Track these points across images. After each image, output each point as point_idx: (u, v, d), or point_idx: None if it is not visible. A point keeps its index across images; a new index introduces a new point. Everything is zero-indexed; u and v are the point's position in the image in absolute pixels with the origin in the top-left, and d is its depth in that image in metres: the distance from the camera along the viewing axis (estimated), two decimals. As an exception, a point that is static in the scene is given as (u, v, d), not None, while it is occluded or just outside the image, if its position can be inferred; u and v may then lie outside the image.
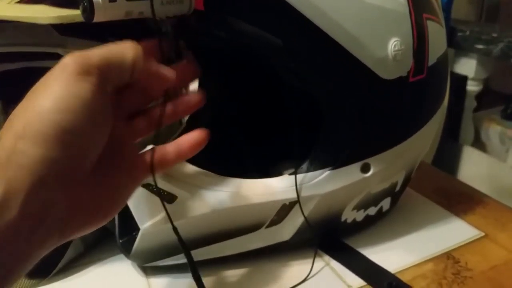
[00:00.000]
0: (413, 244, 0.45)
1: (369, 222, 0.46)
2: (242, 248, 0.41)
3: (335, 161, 0.39)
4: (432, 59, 0.41)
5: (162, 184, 0.38)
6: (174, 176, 0.38)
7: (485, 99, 1.48)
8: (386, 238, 0.46)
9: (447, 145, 1.44)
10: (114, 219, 0.40)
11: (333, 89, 0.37)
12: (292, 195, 0.39)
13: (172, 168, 0.38)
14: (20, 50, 0.44)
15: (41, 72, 0.47)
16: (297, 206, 0.39)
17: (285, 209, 0.39)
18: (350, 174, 0.40)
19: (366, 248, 0.44)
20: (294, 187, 0.39)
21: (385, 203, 0.45)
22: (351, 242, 0.45)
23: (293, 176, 0.39)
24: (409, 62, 0.38)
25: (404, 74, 0.38)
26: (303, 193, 0.39)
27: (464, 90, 1.45)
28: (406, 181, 0.47)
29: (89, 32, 0.43)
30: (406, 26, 0.37)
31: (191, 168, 0.39)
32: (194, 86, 0.54)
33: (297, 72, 0.37)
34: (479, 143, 1.57)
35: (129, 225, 0.39)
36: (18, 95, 0.50)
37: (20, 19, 0.36)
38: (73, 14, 0.39)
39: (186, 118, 0.56)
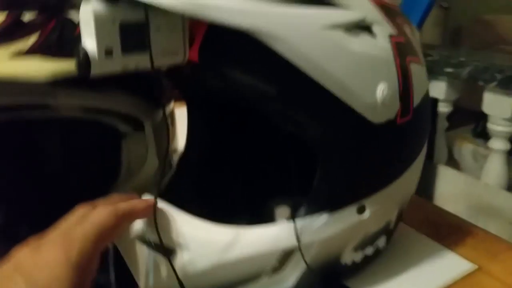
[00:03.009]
0: (411, 281, 0.46)
1: (367, 262, 0.46)
2: None
3: (332, 204, 0.39)
4: (416, 99, 0.42)
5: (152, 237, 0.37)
6: (170, 227, 0.37)
7: (456, 117, 1.53)
8: (384, 276, 0.46)
9: (423, 165, 1.47)
10: (109, 276, 0.39)
11: (326, 134, 0.37)
12: (292, 242, 0.38)
13: (168, 218, 0.37)
14: (9, 102, 0.42)
15: (27, 124, 0.46)
16: (298, 253, 0.39)
17: (286, 256, 0.39)
18: (347, 217, 0.40)
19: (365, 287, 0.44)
20: (293, 234, 0.38)
21: (381, 242, 0.46)
22: (351, 283, 0.45)
23: (291, 223, 0.39)
24: (396, 105, 0.39)
25: (392, 117, 0.39)
26: (303, 239, 0.39)
27: (435, 111, 1.49)
28: (399, 217, 0.47)
29: (80, 82, 0.42)
30: (392, 71, 0.39)
31: (187, 218, 0.38)
32: (183, 131, 0.54)
33: (291, 119, 0.37)
34: (452, 162, 1.61)
35: (126, 284, 0.38)
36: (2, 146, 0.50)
37: (16, 78, 0.35)
38: (67, 69, 0.38)
39: (176, 161, 0.56)
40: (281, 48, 0.32)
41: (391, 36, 0.39)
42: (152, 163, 0.53)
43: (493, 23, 2.04)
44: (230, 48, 0.35)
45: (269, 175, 0.48)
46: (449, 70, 1.30)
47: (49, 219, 0.46)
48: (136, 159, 0.53)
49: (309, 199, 0.39)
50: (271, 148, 0.47)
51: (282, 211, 0.44)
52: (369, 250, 0.45)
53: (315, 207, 0.38)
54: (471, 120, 1.65)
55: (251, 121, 0.46)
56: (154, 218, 0.35)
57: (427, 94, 0.44)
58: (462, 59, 1.25)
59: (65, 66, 0.38)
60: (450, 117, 1.50)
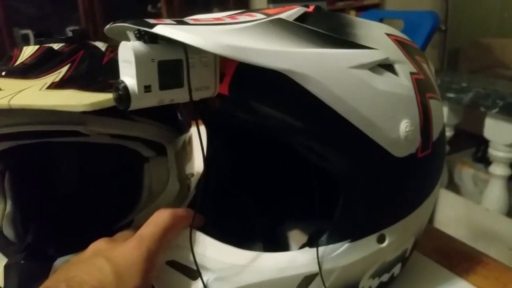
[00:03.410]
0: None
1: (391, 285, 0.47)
2: None
3: (354, 234, 0.41)
4: (435, 134, 0.44)
5: (183, 259, 0.38)
6: (198, 251, 0.38)
7: (456, 141, 1.55)
8: (397, 302, 0.48)
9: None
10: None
11: (351, 167, 0.39)
12: (313, 268, 0.40)
13: (195, 243, 0.39)
14: (40, 128, 0.44)
15: (55, 147, 0.48)
16: (318, 278, 0.40)
17: (306, 281, 0.40)
18: (368, 246, 0.41)
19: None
20: (315, 260, 0.40)
21: (396, 269, 0.47)
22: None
23: (313, 249, 0.40)
24: (418, 140, 0.41)
25: (413, 151, 0.41)
26: (324, 266, 0.40)
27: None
28: (414, 246, 0.49)
29: (109, 110, 0.44)
30: (414, 108, 0.41)
31: (211, 241, 0.40)
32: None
33: (316, 152, 0.39)
34: (453, 186, 1.63)
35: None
36: (29, 168, 0.51)
37: (56, 108, 0.37)
38: (104, 99, 0.40)
39: (195, 184, 0.58)
40: (312, 87, 0.35)
41: (412, 74, 0.41)
42: (173, 186, 0.55)
43: (490, 46, 2.09)
44: (259, 84, 0.37)
45: (290, 204, 0.50)
46: (451, 95, 1.33)
47: (76, 238, 0.48)
48: (158, 183, 0.54)
49: (331, 228, 0.40)
50: (293, 177, 0.49)
51: (302, 238, 0.45)
52: (385, 277, 0.46)
53: (337, 236, 0.40)
54: (472, 144, 1.68)
55: (274, 151, 0.47)
56: (190, 242, 0.37)
57: (443, 128, 0.46)
58: (464, 84, 1.28)
59: (102, 97, 0.40)
60: (450, 141, 1.53)
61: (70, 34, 0.53)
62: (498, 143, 1.27)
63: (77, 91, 0.42)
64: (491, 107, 1.21)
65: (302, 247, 0.42)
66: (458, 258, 0.56)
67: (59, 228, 0.48)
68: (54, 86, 0.42)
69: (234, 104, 0.39)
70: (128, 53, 0.33)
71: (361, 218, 0.41)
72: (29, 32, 2.42)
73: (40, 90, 0.41)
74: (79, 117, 0.45)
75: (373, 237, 0.41)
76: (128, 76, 0.33)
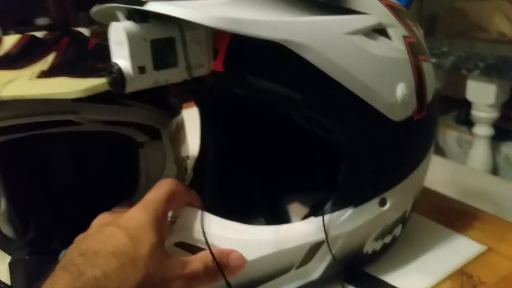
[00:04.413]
0: (427, 265, 0.48)
1: (385, 250, 0.48)
2: None
3: (357, 199, 0.42)
4: (429, 96, 0.44)
5: (193, 240, 0.39)
6: (205, 230, 0.39)
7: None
8: (401, 262, 0.49)
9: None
10: None
11: (351, 135, 0.39)
12: (320, 236, 0.41)
13: (200, 221, 0.39)
14: (32, 120, 0.44)
15: (48, 139, 0.47)
16: (324, 245, 0.41)
17: (313, 250, 0.41)
18: (370, 210, 0.42)
19: (386, 275, 0.47)
20: (321, 228, 0.41)
21: (397, 230, 0.48)
22: (370, 270, 0.47)
23: (318, 218, 0.41)
24: (414, 103, 0.42)
25: (410, 114, 0.41)
26: (330, 233, 0.41)
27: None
28: (413, 207, 0.50)
29: (101, 96, 0.43)
30: (408, 71, 0.41)
31: (216, 219, 0.40)
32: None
33: (316, 122, 0.39)
34: (438, 149, 1.66)
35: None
36: (22, 163, 0.50)
37: (49, 96, 0.37)
38: (97, 84, 0.40)
39: (192, 165, 0.58)
40: (310, 56, 0.35)
41: (404, 37, 0.41)
42: (170, 170, 0.55)
43: (466, 11, 2.10)
44: (255, 57, 0.36)
45: (289, 177, 0.51)
46: (432, 60, 1.34)
47: (79, 229, 0.48)
48: (155, 167, 0.54)
49: (335, 195, 0.41)
50: (291, 149, 0.49)
51: (302, 210, 0.46)
52: (388, 239, 0.47)
53: (341, 203, 0.41)
54: (453, 108, 1.70)
55: (270, 125, 0.48)
56: (202, 224, 0.37)
57: (436, 90, 0.47)
58: (445, 49, 1.30)
59: (94, 82, 0.39)
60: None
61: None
62: (480, 104, 1.30)
63: (67, 78, 0.41)
64: (473, 69, 1.23)
65: (305, 217, 0.43)
66: (454, 215, 0.57)
67: (60, 221, 0.47)
68: (44, 74, 0.41)
69: (230, 81, 0.39)
70: (120, 33, 0.32)
71: (362, 183, 0.41)
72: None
73: (29, 79, 0.40)
74: (71, 106, 0.44)
75: (375, 201, 0.42)
76: (121, 58, 0.33)
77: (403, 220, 0.49)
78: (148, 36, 0.33)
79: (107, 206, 0.51)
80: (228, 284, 0.37)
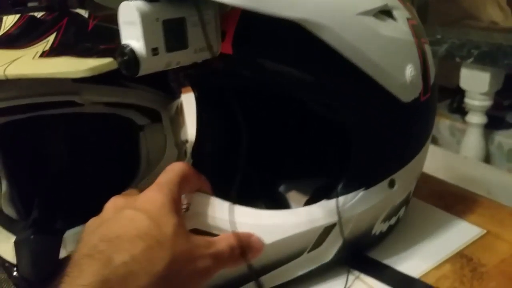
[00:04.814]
0: (427, 248, 0.49)
1: (389, 231, 0.49)
2: (288, 277, 0.42)
3: (368, 181, 0.42)
4: (432, 78, 0.45)
5: (207, 226, 0.38)
6: (219, 216, 0.39)
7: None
8: (401, 246, 0.49)
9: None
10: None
11: (362, 117, 0.40)
12: (332, 219, 0.41)
13: (214, 208, 0.39)
14: (34, 101, 0.43)
15: (50, 120, 0.47)
16: (336, 228, 0.42)
17: (325, 233, 0.41)
18: (380, 191, 0.43)
19: (387, 259, 0.47)
20: (333, 211, 0.41)
21: (401, 212, 0.49)
22: (372, 255, 0.48)
23: (331, 201, 0.41)
24: (420, 84, 0.42)
25: (417, 95, 0.42)
26: (343, 215, 0.41)
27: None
28: (415, 188, 0.51)
29: (103, 77, 0.43)
30: (414, 52, 0.42)
31: (228, 205, 0.39)
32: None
33: (328, 104, 0.39)
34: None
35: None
36: (23, 144, 0.50)
37: (55, 76, 0.36)
38: (102, 64, 0.39)
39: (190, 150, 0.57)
40: (327, 36, 0.34)
41: (408, 19, 0.42)
42: (171, 152, 0.55)
43: (458, -1, 2.07)
44: (265, 39, 0.36)
45: (293, 160, 0.51)
46: (426, 48, 1.34)
47: (82, 210, 0.48)
48: (156, 150, 0.54)
49: (347, 178, 0.41)
50: (296, 133, 0.49)
51: (305, 195, 0.46)
52: (393, 220, 0.48)
53: (353, 185, 0.41)
54: (445, 97, 1.72)
55: (274, 109, 0.48)
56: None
57: (435, 72, 0.48)
58: (439, 36, 1.30)
59: (99, 62, 0.39)
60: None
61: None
62: (473, 92, 1.31)
63: (71, 58, 0.40)
64: (466, 57, 1.24)
65: (311, 202, 0.43)
66: (452, 199, 0.58)
67: (62, 202, 0.47)
68: (46, 54, 0.41)
69: (239, 63, 0.38)
70: (132, 13, 0.32)
71: (373, 165, 0.42)
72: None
73: (33, 59, 0.39)
74: (73, 87, 0.44)
75: (385, 183, 0.43)
76: (133, 39, 0.32)
77: (407, 202, 0.49)
78: (160, 16, 0.32)
79: (108, 188, 0.51)
80: (250, 267, 0.37)
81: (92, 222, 0.35)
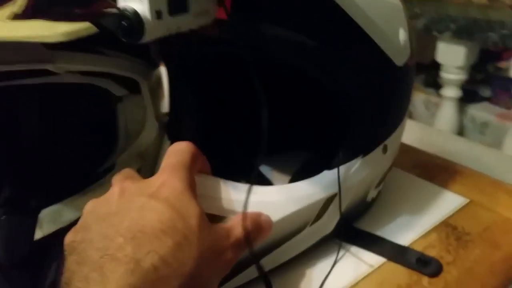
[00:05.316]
0: (412, 218, 0.49)
1: (377, 198, 0.49)
2: (291, 254, 0.41)
3: (365, 149, 0.42)
4: (413, 44, 0.45)
5: (215, 209, 0.36)
6: (218, 196, 0.36)
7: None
8: (387, 217, 0.49)
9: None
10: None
11: (361, 81, 0.39)
12: (333, 190, 0.40)
13: (214, 188, 0.37)
14: (4, 69, 0.40)
15: (20, 90, 0.44)
16: (336, 199, 0.41)
17: (326, 204, 0.41)
18: (376, 157, 0.43)
19: (373, 230, 0.47)
20: (333, 182, 0.40)
21: (387, 178, 0.49)
22: (358, 226, 0.48)
23: (331, 171, 0.40)
24: (409, 49, 0.42)
25: (406, 59, 0.42)
26: (344, 185, 0.41)
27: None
28: (397, 158, 0.51)
29: (77, 44, 0.40)
30: (403, 17, 0.42)
31: (232, 184, 0.37)
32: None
33: (328, 70, 0.38)
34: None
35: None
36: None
37: (29, 39, 0.34)
38: (80, 28, 0.37)
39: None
40: None
41: (393, -14, 0.41)
42: (151, 125, 0.53)
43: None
44: (263, 3, 0.34)
45: (303, 131, 0.50)
46: (403, 22, 1.34)
47: (58, 187, 0.45)
48: (135, 122, 0.52)
49: (346, 147, 0.41)
50: (299, 103, 0.48)
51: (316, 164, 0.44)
52: (381, 186, 0.48)
53: (352, 154, 0.41)
54: (419, 71, 1.73)
55: (261, 79, 0.46)
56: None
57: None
58: (417, 10, 1.30)
59: (76, 27, 0.37)
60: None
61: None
62: (450, 66, 1.32)
63: (46, 21, 0.38)
64: (444, 31, 1.24)
65: (300, 175, 0.42)
66: (435, 170, 0.59)
67: (37, 179, 0.45)
68: (18, 17, 0.38)
69: (238, 30, 0.35)
70: None
71: (371, 131, 0.42)
72: None
73: (1, 21, 0.37)
74: (47, 54, 0.41)
75: (379, 149, 0.43)
76: (134, 1, 0.29)
77: (391, 167, 0.49)
78: None
79: (85, 162, 0.49)
80: (252, 251, 0.34)
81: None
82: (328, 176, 0.40)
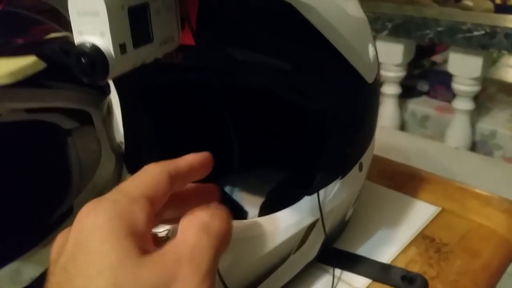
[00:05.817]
0: (388, 233, 0.49)
1: (352, 216, 0.48)
2: (278, 284, 0.40)
3: (344, 169, 0.41)
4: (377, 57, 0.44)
5: None
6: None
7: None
8: (363, 234, 0.48)
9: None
10: None
11: (335, 101, 0.38)
12: (316, 215, 0.39)
13: None
14: None
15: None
16: (318, 224, 0.40)
17: (309, 230, 0.39)
18: (354, 177, 0.42)
19: (353, 247, 0.46)
20: (314, 208, 0.39)
21: (360, 193, 0.48)
22: (337, 245, 0.47)
23: (311, 197, 0.39)
24: (376, 64, 0.42)
25: (375, 75, 0.42)
26: (325, 209, 0.40)
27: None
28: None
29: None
30: (370, 32, 0.42)
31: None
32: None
33: (301, 91, 0.36)
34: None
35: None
36: None
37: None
38: (25, 65, 0.32)
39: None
40: (313, 16, 0.31)
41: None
42: (107, 159, 0.49)
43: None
44: (233, 25, 0.32)
45: (279, 156, 0.48)
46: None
47: (13, 238, 0.40)
48: (89, 157, 0.47)
49: (324, 170, 0.39)
50: (270, 126, 0.46)
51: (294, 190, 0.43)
52: (357, 203, 0.48)
53: (330, 177, 0.40)
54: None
55: (224, 104, 0.43)
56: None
57: None
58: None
59: (20, 64, 0.32)
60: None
61: None
62: (388, 64, 1.36)
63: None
64: (381, 30, 1.27)
65: (269, 206, 0.40)
66: (401, 178, 0.59)
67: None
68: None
69: (203, 55, 0.33)
70: (93, 0, 0.25)
71: (347, 151, 0.41)
72: None
73: None
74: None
75: (356, 167, 0.42)
76: (95, 35, 0.25)
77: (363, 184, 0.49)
78: (125, 2, 0.26)
79: (37, 206, 0.44)
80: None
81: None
82: (309, 202, 0.39)
